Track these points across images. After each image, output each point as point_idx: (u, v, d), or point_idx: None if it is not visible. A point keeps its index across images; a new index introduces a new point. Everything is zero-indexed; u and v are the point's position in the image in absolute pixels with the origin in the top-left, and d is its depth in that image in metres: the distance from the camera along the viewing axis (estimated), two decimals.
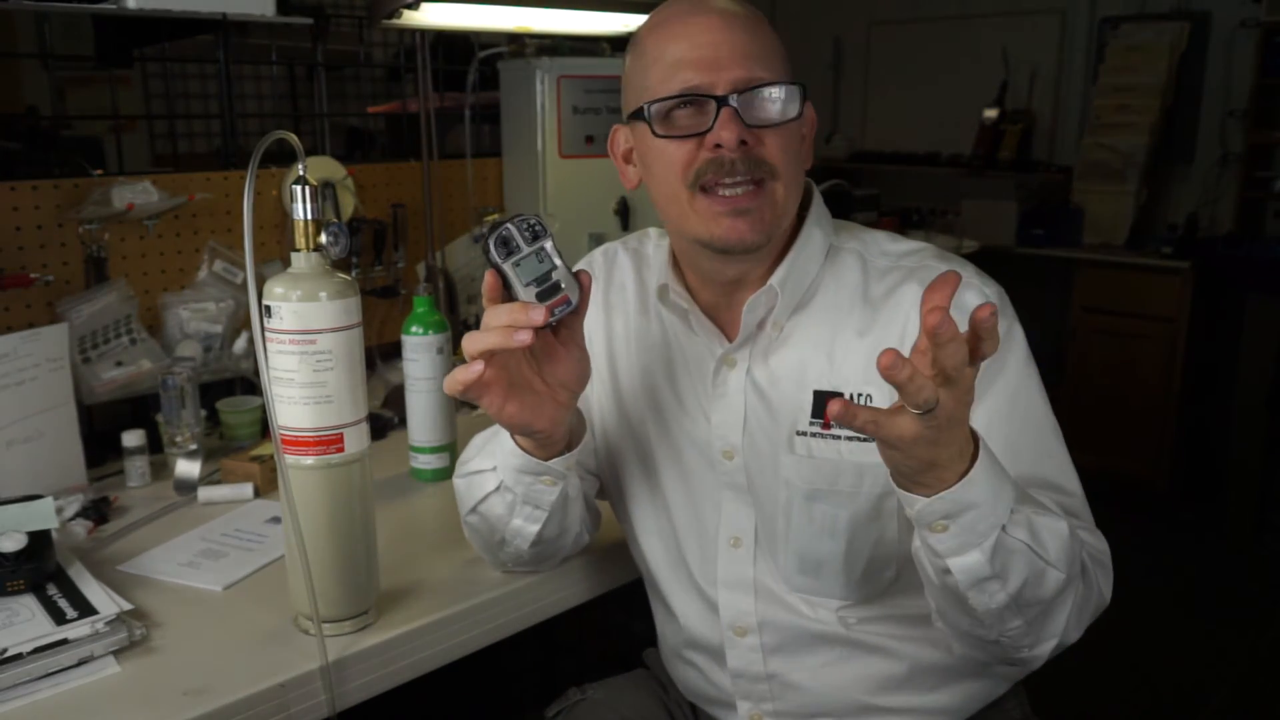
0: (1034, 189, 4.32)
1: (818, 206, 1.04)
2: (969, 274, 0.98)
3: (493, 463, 1.01)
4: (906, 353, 0.84)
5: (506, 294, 0.87)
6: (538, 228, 0.86)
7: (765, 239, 0.96)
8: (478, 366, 0.86)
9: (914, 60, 4.79)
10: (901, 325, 0.96)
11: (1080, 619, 0.89)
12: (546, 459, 0.98)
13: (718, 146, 0.93)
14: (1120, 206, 4.06)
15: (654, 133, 0.96)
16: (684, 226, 0.98)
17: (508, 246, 0.85)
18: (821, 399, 0.97)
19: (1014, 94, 4.50)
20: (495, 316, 0.86)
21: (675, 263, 1.06)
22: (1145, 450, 3.77)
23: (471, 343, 0.87)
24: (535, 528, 1.03)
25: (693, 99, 0.94)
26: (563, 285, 0.86)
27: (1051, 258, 4.02)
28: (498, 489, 1.02)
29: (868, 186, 4.09)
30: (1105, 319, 3.87)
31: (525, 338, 0.85)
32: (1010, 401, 0.95)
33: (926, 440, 0.74)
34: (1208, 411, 3.76)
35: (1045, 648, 0.88)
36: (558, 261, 0.86)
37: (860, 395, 0.96)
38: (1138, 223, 4.07)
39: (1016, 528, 0.81)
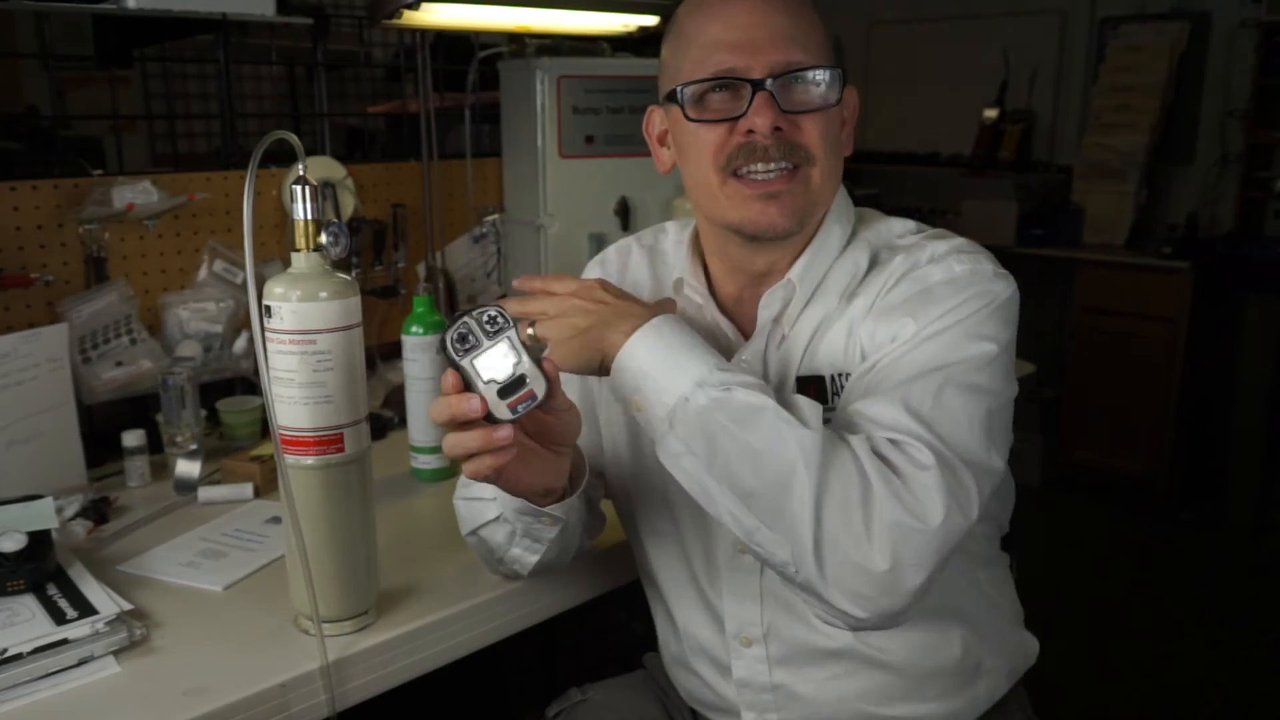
0: (1034, 189, 4.32)
1: (839, 201, 1.02)
2: (948, 251, 0.95)
3: (492, 493, 0.99)
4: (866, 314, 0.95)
5: (467, 388, 0.82)
6: (499, 319, 0.82)
7: (797, 225, 0.94)
8: (510, 452, 0.82)
9: (914, 60, 4.79)
10: (875, 293, 0.96)
11: (872, 538, 0.80)
12: (546, 505, 0.96)
13: (750, 132, 0.91)
14: (1120, 206, 4.06)
15: (686, 116, 0.94)
16: (715, 211, 0.97)
17: (466, 342, 0.81)
18: (805, 385, 0.96)
19: (1014, 94, 4.50)
20: (464, 444, 0.82)
21: (697, 255, 1.04)
22: (1145, 450, 3.77)
23: (460, 453, 0.83)
24: (534, 558, 1.03)
25: (728, 82, 0.92)
26: (527, 380, 0.81)
27: (1051, 258, 4.02)
28: (498, 519, 1.00)
29: (868, 186, 4.09)
30: (1105, 319, 3.87)
31: (511, 454, 0.82)
32: (908, 349, 0.90)
33: (558, 335, 0.91)
34: (1208, 411, 3.76)
35: (808, 561, 0.81)
36: (521, 355, 0.82)
37: (839, 375, 0.96)
38: (1138, 223, 4.07)
39: (703, 398, 0.84)
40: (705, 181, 0.95)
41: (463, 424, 0.81)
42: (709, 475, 0.84)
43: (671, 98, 0.96)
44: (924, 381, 0.87)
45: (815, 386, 0.97)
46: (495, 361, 0.81)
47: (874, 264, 0.99)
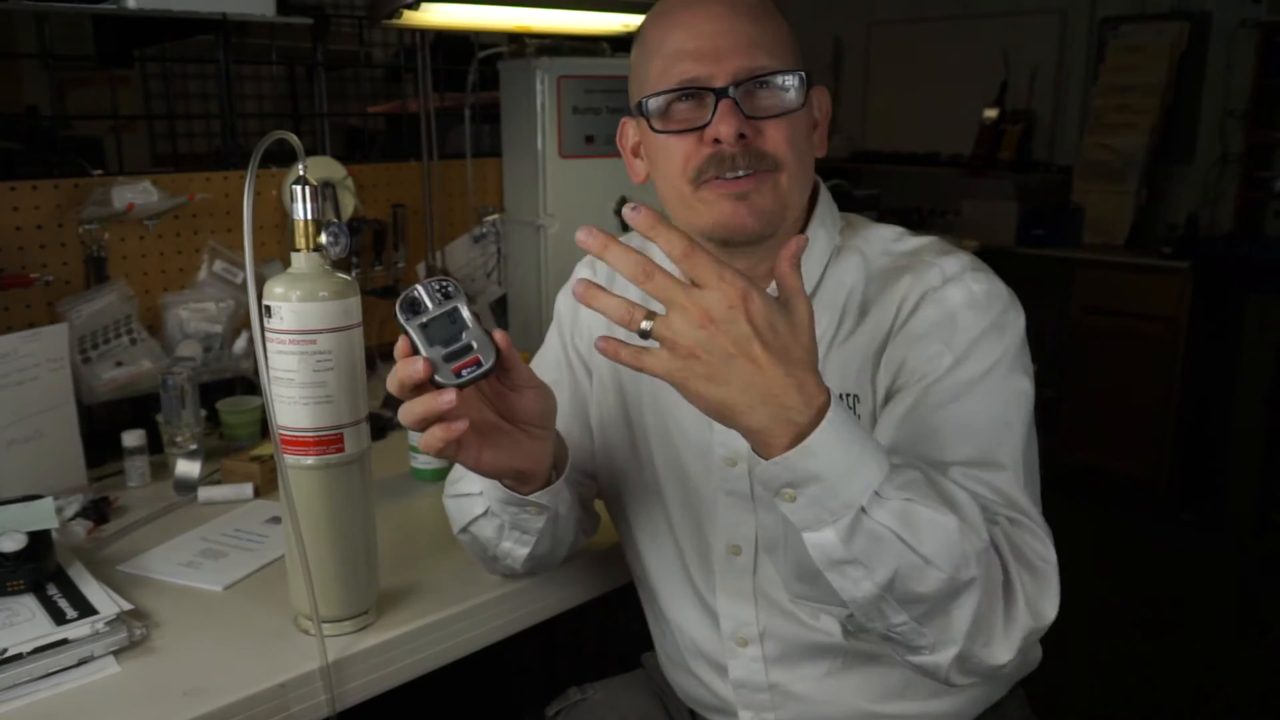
0: (1034, 189, 4.33)
1: (824, 206, 1.02)
2: (962, 270, 0.96)
3: (479, 487, 0.99)
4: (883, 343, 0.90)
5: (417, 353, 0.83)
6: (450, 289, 0.84)
7: (767, 227, 0.94)
8: (460, 425, 0.82)
9: (914, 60, 4.79)
10: (891, 317, 0.95)
11: (1008, 636, 0.82)
12: (529, 494, 0.96)
13: (716, 141, 0.91)
14: (1120, 206, 4.06)
15: (653, 128, 0.94)
16: (689, 220, 0.96)
17: (414, 308, 0.83)
18: None
19: (1014, 94, 4.50)
20: (411, 410, 0.82)
21: None
22: (1145, 450, 3.77)
23: (410, 420, 0.83)
24: (525, 550, 1.03)
25: (691, 92, 0.92)
26: (475, 347, 0.83)
27: (1051, 258, 4.02)
28: (486, 513, 1.00)
29: (868, 186, 4.09)
30: (1105, 319, 3.87)
31: (462, 426, 0.82)
32: (961, 390, 0.90)
33: (686, 373, 0.72)
34: (1208, 411, 3.76)
35: (947, 654, 0.81)
36: (470, 323, 0.84)
37: (847, 396, 0.95)
38: (1138, 223, 4.07)
39: (883, 512, 0.75)
40: (677, 192, 0.95)
41: (416, 392, 0.82)
42: (871, 582, 0.77)
43: (639, 109, 0.96)
44: (1009, 438, 0.90)
45: None
46: (442, 328, 0.83)
47: (872, 277, 0.98)
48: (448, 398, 0.81)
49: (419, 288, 0.84)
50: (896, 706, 1.02)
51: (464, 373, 0.82)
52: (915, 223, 4.08)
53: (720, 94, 0.90)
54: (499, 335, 0.84)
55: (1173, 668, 2.68)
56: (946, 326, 0.92)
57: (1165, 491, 3.74)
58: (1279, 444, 3.52)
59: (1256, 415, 3.57)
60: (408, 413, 0.83)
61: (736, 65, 0.91)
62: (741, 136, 0.90)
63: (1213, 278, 3.67)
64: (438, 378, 0.82)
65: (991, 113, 4.48)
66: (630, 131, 1.03)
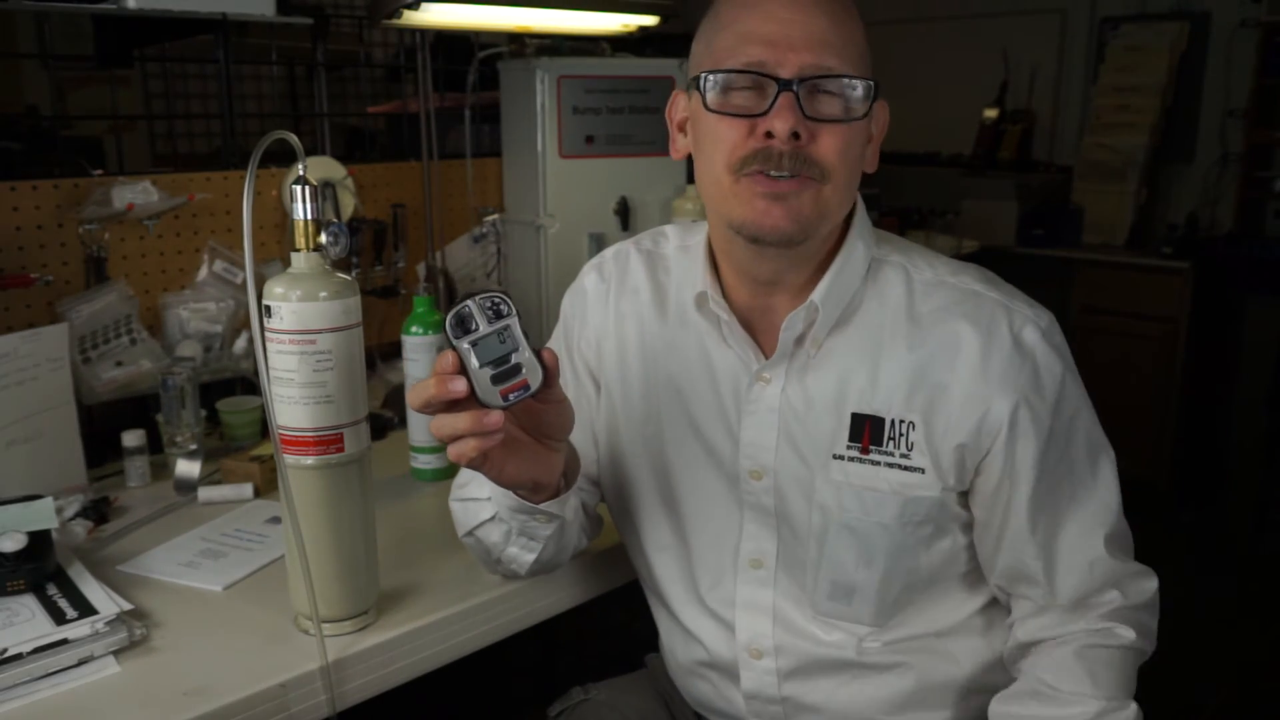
0: (1034, 189, 4.32)
1: (861, 217, 0.99)
2: (1019, 304, 0.95)
3: (488, 492, 0.99)
4: (959, 396, 0.92)
5: (465, 369, 0.81)
6: (501, 306, 0.81)
7: (800, 233, 0.90)
8: (497, 437, 0.82)
9: (914, 60, 4.78)
10: (954, 351, 0.93)
11: None
12: (540, 503, 0.96)
13: (769, 135, 0.87)
14: (1120, 206, 4.06)
15: (707, 106, 0.90)
16: (722, 208, 0.93)
17: (465, 326, 0.81)
18: (860, 422, 0.94)
19: (1014, 94, 4.50)
20: (453, 427, 0.81)
21: (712, 262, 1.01)
22: (1145, 450, 3.76)
23: (447, 434, 0.82)
24: (531, 556, 1.02)
25: (754, 77, 0.88)
26: (523, 370, 0.81)
27: (1051, 258, 4.02)
28: (493, 518, 1.00)
29: (867, 186, 4.07)
30: (1105, 319, 3.87)
31: (497, 440, 0.82)
32: (1063, 438, 0.96)
33: None
34: (1208, 411, 3.76)
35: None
36: (520, 344, 0.81)
37: (901, 421, 0.93)
38: (1138, 223, 4.07)
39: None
40: (717, 180, 0.92)
41: (452, 405, 0.81)
42: None
43: (696, 84, 0.92)
44: (1107, 494, 1.03)
45: (870, 425, 0.94)
46: (492, 347, 0.81)
47: (920, 294, 0.96)
48: (494, 419, 0.80)
49: (470, 304, 0.81)
50: (909, 717, 1.02)
51: (511, 396, 0.81)
52: (915, 223, 4.08)
53: (783, 86, 0.86)
54: (548, 355, 0.82)
55: (1173, 668, 2.68)
56: (1032, 371, 0.93)
57: (1165, 491, 3.74)
58: (1279, 444, 3.51)
59: (1256, 415, 3.56)
60: (447, 427, 0.81)
61: (805, 60, 0.87)
62: (795, 136, 0.87)
63: (1213, 278, 3.67)
64: (482, 397, 0.80)
65: (991, 113, 4.48)
66: (681, 104, 0.99)
